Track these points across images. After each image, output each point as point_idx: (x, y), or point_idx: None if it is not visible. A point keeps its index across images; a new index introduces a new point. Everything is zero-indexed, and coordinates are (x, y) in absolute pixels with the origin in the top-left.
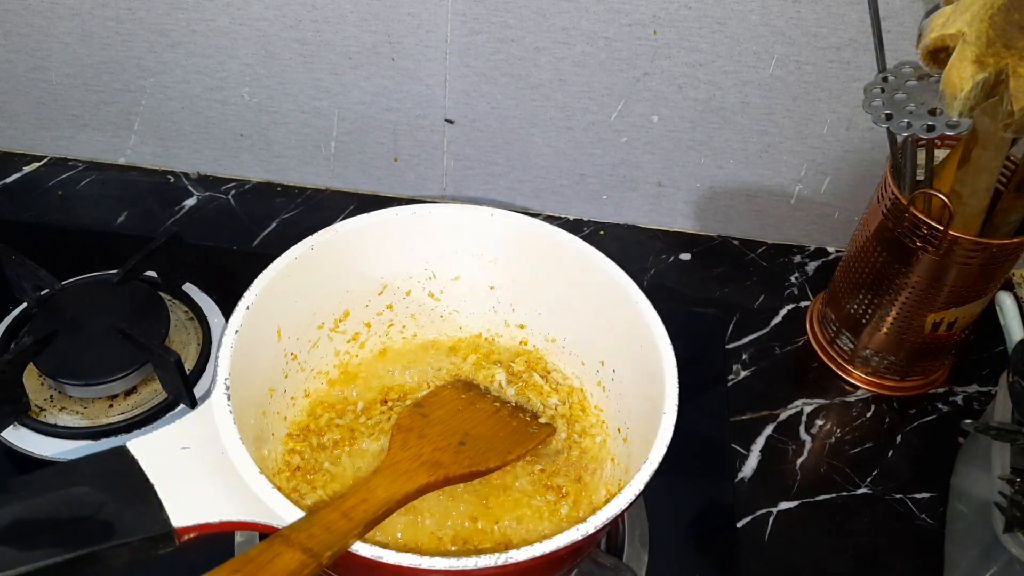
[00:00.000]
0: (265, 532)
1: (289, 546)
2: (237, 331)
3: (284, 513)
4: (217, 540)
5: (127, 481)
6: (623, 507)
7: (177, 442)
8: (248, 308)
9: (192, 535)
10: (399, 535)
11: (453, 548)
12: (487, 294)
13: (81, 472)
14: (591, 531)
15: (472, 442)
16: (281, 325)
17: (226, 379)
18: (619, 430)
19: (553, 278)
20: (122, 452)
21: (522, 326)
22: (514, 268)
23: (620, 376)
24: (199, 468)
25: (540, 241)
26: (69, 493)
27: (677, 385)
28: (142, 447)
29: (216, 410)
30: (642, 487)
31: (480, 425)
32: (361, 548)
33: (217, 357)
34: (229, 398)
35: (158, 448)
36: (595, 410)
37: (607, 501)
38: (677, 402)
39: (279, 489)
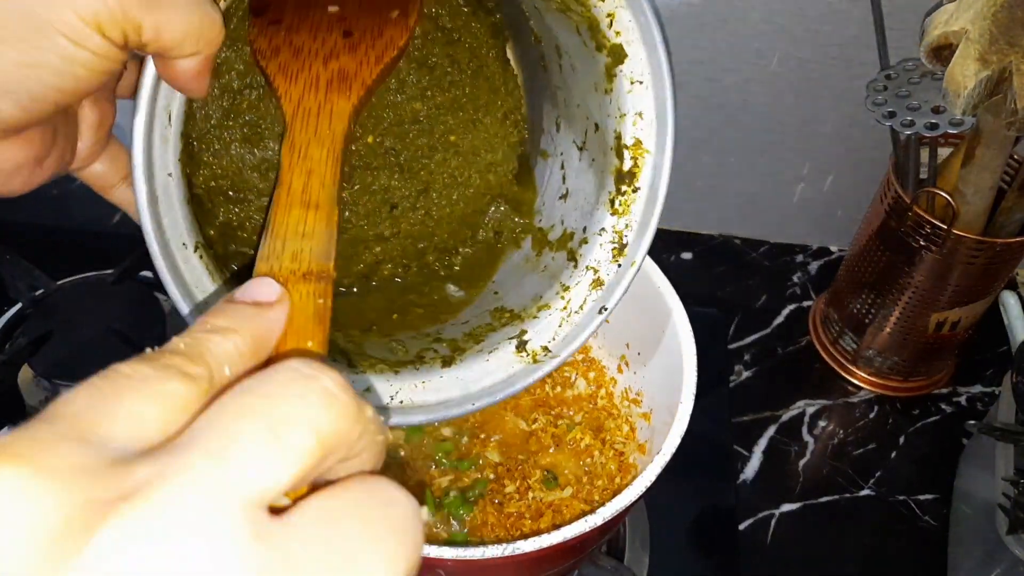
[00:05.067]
0: None
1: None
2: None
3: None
4: None
5: None
6: (633, 498)
7: None
8: None
9: None
10: None
11: None
12: None
13: None
14: (599, 522)
15: (357, 22)
16: None
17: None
18: (645, 416)
19: None
20: None
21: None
22: None
23: (644, 360)
24: None
25: None
26: None
27: (695, 373)
28: None
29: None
30: (653, 479)
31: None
32: None
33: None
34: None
35: None
36: (621, 394)
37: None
38: (695, 391)
39: None
